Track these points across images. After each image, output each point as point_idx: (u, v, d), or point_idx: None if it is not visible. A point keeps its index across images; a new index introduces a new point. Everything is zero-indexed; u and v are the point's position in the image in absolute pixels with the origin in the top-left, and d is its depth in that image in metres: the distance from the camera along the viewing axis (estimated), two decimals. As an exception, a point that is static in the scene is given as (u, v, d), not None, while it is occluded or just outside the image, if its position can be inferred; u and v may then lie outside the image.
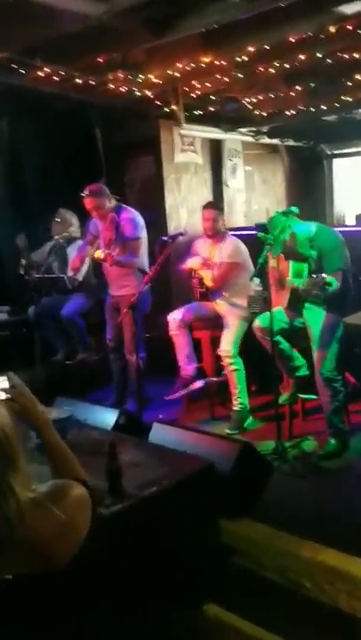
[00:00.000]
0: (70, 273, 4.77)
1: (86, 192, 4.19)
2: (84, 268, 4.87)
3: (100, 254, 4.18)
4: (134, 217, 4.30)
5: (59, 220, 4.90)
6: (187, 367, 4.30)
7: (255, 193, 7.22)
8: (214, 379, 4.38)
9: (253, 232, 4.56)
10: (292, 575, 2.57)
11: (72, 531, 1.41)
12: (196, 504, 2.53)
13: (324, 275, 3.21)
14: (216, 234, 4.35)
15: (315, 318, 3.61)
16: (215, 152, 6.43)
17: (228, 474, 2.70)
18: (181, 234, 4.18)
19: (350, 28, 3.65)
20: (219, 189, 6.49)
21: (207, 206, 4.44)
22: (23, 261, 4.39)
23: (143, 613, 2.28)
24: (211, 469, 2.60)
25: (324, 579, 2.48)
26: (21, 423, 1.64)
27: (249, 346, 4.14)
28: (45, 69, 4.11)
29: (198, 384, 4.29)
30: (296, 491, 3.20)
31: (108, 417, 3.31)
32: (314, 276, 3.33)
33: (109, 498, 2.23)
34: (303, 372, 3.84)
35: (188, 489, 2.50)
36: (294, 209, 3.67)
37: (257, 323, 3.78)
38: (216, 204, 4.66)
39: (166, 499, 2.37)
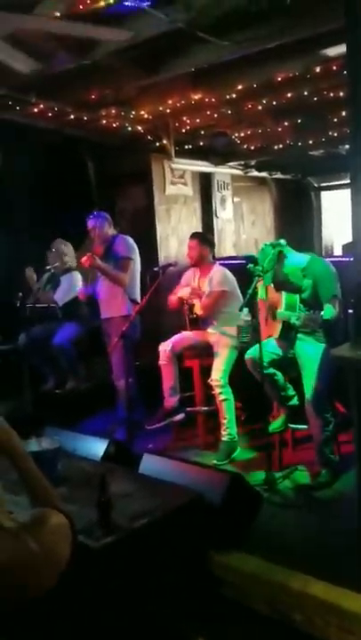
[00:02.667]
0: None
1: (92, 215, 4.53)
2: (69, 296, 4.96)
3: (82, 258, 4.37)
4: (128, 239, 4.52)
5: (53, 250, 4.99)
6: (170, 399, 4.33)
7: (244, 224, 7.35)
8: (199, 408, 4.40)
9: (242, 262, 4.65)
10: (283, 608, 2.55)
11: (49, 560, 1.42)
12: (186, 536, 2.53)
13: (321, 312, 3.29)
14: (201, 263, 4.43)
15: (306, 349, 3.64)
16: (205, 184, 6.57)
17: (218, 505, 2.70)
18: (171, 264, 4.28)
19: (334, 68, 3.81)
20: (208, 220, 6.61)
21: (191, 236, 4.55)
22: (20, 294, 4.46)
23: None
24: (200, 501, 2.60)
25: (315, 612, 2.47)
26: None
27: (239, 374, 4.16)
28: (40, 105, 4.22)
29: (179, 416, 4.33)
30: (287, 522, 3.19)
31: (97, 447, 3.31)
32: (311, 312, 3.40)
33: (100, 530, 2.23)
34: (295, 401, 3.86)
35: (178, 521, 2.50)
36: (283, 241, 3.73)
37: (248, 355, 3.80)
38: (202, 234, 4.70)
39: (156, 530, 2.36)
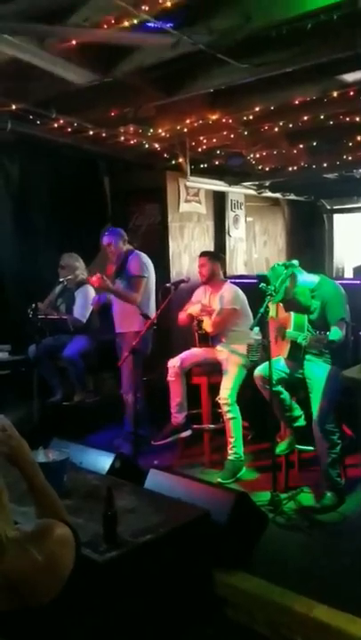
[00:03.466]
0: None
1: (107, 232, 4.62)
2: (89, 311, 4.99)
3: (92, 278, 4.41)
4: (141, 257, 4.58)
5: (63, 265, 5.03)
6: (177, 415, 4.34)
7: (256, 243, 7.39)
8: (206, 426, 4.39)
9: (253, 280, 4.68)
10: (285, 630, 2.53)
11: (52, 570, 1.43)
12: (191, 553, 2.52)
13: (327, 332, 3.31)
14: (212, 281, 4.47)
15: (315, 370, 3.65)
16: (218, 203, 6.63)
17: (224, 524, 2.69)
18: (183, 281, 4.34)
19: (351, 93, 3.85)
20: (221, 238, 6.66)
21: (201, 254, 4.63)
22: (33, 305, 4.49)
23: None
24: (206, 518, 2.60)
25: (317, 635, 2.45)
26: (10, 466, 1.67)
27: (247, 393, 4.16)
28: (60, 121, 4.28)
29: (186, 433, 4.34)
30: (291, 543, 3.17)
31: (103, 460, 3.31)
32: (317, 333, 3.41)
33: (104, 544, 2.22)
34: (301, 422, 3.86)
35: (184, 537, 2.49)
36: (295, 262, 3.76)
37: (258, 372, 3.81)
38: (211, 252, 4.82)
39: (161, 547, 2.36)
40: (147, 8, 2.78)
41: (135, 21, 2.90)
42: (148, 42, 3.15)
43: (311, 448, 3.77)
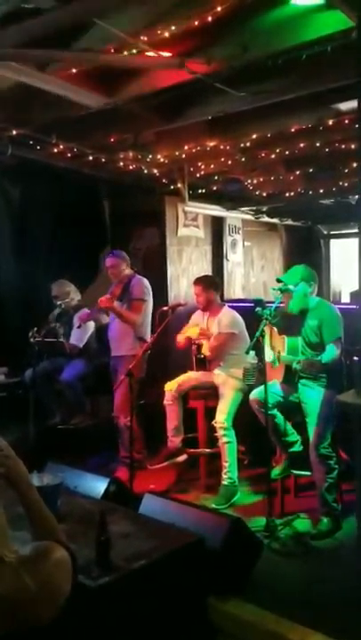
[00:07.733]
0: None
1: (111, 254, 4.71)
2: (87, 336, 4.98)
3: (101, 298, 4.44)
4: (144, 282, 4.63)
5: (55, 294, 5.03)
6: (173, 439, 4.32)
7: (254, 267, 7.45)
8: (202, 450, 4.37)
9: (251, 304, 4.69)
10: (280, 660, 2.48)
11: (48, 595, 1.41)
12: (185, 579, 2.48)
13: (320, 356, 3.32)
14: (210, 307, 4.47)
15: (310, 394, 3.65)
16: (216, 227, 6.70)
17: (218, 550, 2.66)
18: (181, 304, 4.35)
19: (346, 121, 3.93)
20: (218, 262, 6.71)
21: (195, 282, 4.56)
22: (35, 329, 4.50)
23: None
24: (200, 544, 2.56)
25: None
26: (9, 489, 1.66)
27: (243, 418, 4.15)
28: (60, 146, 4.35)
29: (182, 457, 4.31)
30: (286, 570, 3.13)
31: (97, 485, 3.28)
32: (311, 355, 3.43)
33: (97, 569, 2.20)
34: (297, 447, 3.84)
35: (177, 563, 2.46)
36: (291, 287, 3.79)
37: (253, 395, 3.81)
38: (204, 279, 4.61)
39: (155, 572, 2.33)
40: (145, 38, 2.86)
41: (134, 51, 2.97)
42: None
43: (308, 473, 3.74)
